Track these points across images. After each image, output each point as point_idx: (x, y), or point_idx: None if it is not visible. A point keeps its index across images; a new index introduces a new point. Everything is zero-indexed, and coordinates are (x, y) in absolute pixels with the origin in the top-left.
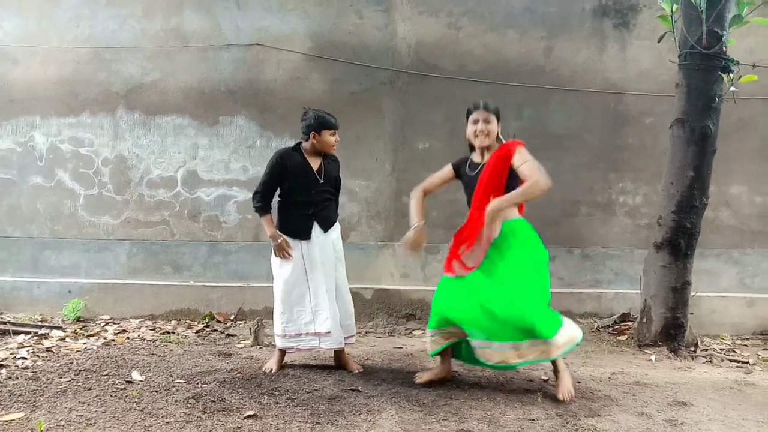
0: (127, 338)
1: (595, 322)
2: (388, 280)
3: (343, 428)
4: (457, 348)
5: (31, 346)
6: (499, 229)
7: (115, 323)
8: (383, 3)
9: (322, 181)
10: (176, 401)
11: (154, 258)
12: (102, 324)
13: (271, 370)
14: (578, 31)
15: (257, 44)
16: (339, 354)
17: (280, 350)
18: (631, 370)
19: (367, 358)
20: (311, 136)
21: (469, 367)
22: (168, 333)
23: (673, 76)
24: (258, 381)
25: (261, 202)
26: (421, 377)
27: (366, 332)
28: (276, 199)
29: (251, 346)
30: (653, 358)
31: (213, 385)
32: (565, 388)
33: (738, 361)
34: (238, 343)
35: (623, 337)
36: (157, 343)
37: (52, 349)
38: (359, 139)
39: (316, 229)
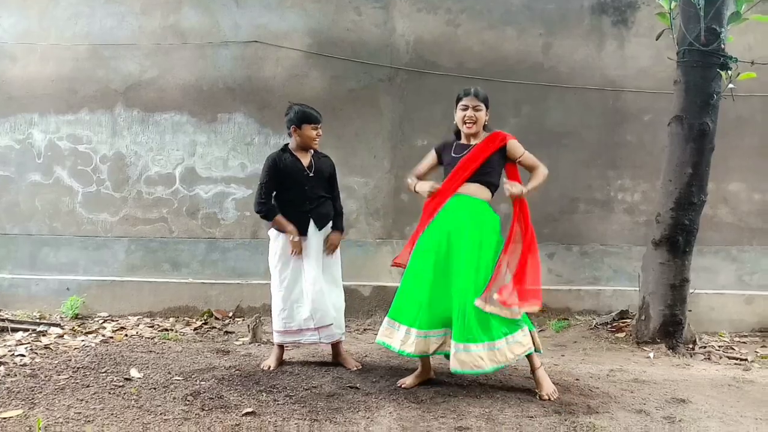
0: (126, 335)
1: (594, 319)
2: (386, 277)
3: (341, 425)
4: None
5: (29, 343)
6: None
7: (113, 320)
8: (382, 0)
9: (311, 174)
10: (174, 398)
11: (152, 255)
12: (100, 321)
13: (270, 367)
14: (577, 28)
15: (256, 41)
16: (337, 350)
17: (279, 347)
18: (630, 367)
19: (366, 356)
20: (292, 130)
21: None
22: (166, 330)
23: (671, 73)
24: (256, 378)
25: (265, 207)
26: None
27: (364, 329)
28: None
29: (249, 343)
30: (651, 355)
31: (211, 382)
32: (549, 388)
33: (736, 358)
34: (237, 340)
35: (621, 335)
36: (156, 340)
37: (51, 347)
38: (358, 136)
39: (311, 226)
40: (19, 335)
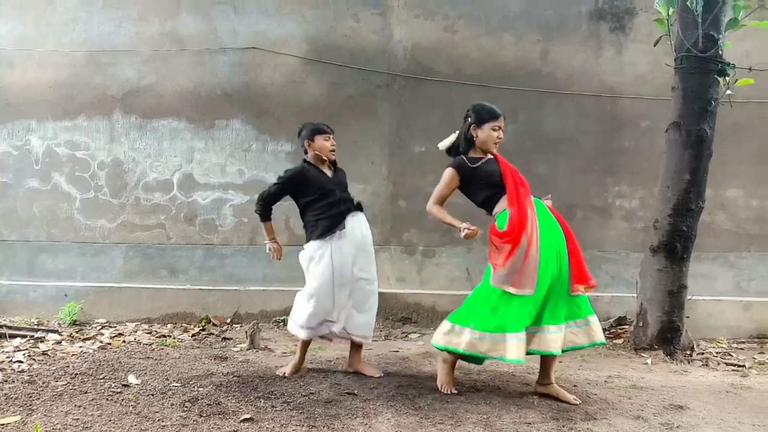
0: (123, 342)
1: None
2: (384, 284)
3: None
4: None
5: (27, 349)
6: None
7: (111, 327)
8: (379, 6)
9: (335, 182)
10: (172, 405)
11: (150, 261)
12: (98, 327)
13: (299, 370)
14: (574, 34)
15: (254, 48)
16: (355, 356)
17: (305, 345)
18: (628, 373)
19: (364, 361)
20: (307, 145)
21: (465, 371)
22: (164, 336)
23: (669, 79)
24: (254, 384)
25: (264, 208)
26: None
27: None
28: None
29: (247, 350)
30: (649, 361)
31: (209, 388)
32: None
33: (734, 365)
34: (235, 346)
35: (619, 341)
36: (153, 346)
37: (49, 353)
38: (356, 143)
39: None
40: (17, 342)
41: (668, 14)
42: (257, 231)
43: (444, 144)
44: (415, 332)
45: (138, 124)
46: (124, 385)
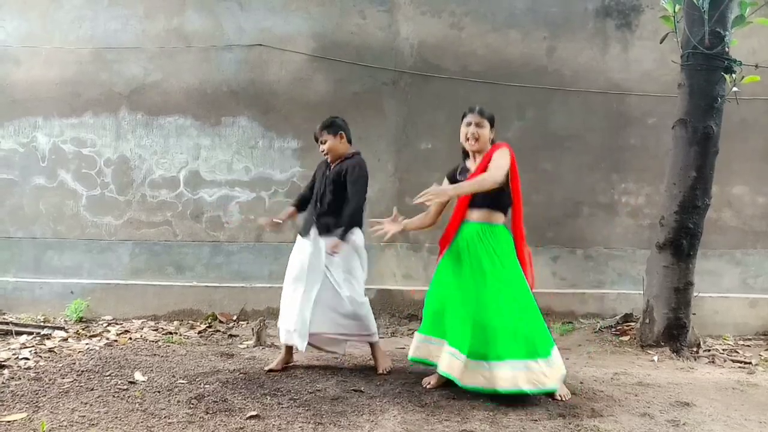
0: (130, 339)
1: (598, 322)
2: (390, 281)
3: (345, 429)
4: None
5: (33, 346)
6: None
7: (117, 324)
8: (386, 3)
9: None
10: (179, 402)
11: (156, 258)
12: (104, 324)
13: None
14: (581, 31)
15: (260, 45)
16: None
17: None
18: (634, 370)
19: (370, 359)
20: None
21: None
22: (170, 333)
23: (675, 76)
24: (260, 381)
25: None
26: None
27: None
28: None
29: (254, 347)
30: (656, 358)
31: (215, 385)
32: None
33: (740, 362)
34: (241, 343)
35: (626, 338)
36: (160, 343)
37: (55, 350)
38: (362, 140)
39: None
40: (23, 338)
41: (674, 11)
42: (263, 228)
43: None
44: None
45: (144, 121)
46: (131, 382)
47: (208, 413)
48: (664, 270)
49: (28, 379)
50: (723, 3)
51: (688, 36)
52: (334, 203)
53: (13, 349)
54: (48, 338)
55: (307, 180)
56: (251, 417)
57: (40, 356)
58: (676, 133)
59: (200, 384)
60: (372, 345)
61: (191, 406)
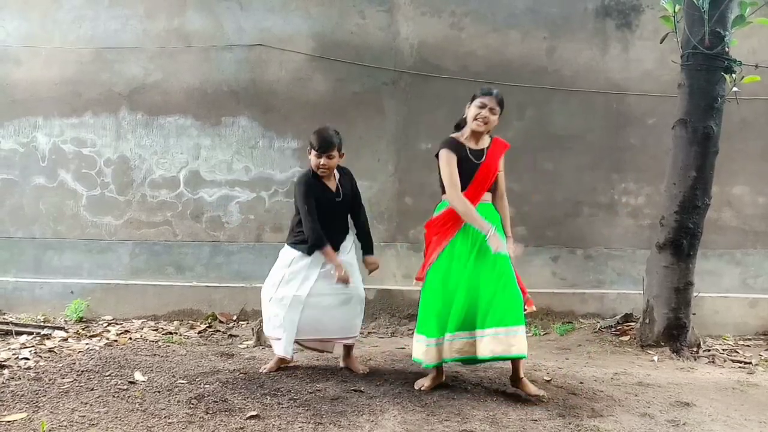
0: (130, 339)
1: (598, 322)
2: (390, 281)
3: (345, 429)
4: None
5: (33, 346)
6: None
7: (117, 324)
8: (386, 3)
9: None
10: (179, 402)
11: (156, 258)
12: (104, 324)
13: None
14: (581, 31)
15: (260, 45)
16: (346, 354)
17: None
18: (634, 370)
19: (370, 359)
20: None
21: (472, 368)
22: (170, 333)
23: (675, 76)
24: (260, 381)
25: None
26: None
27: (368, 333)
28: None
29: (254, 347)
30: (656, 358)
31: (215, 385)
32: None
33: (740, 362)
34: (241, 343)
35: (626, 338)
36: (160, 343)
37: (55, 350)
38: (362, 140)
39: None
40: (23, 338)
41: (674, 11)
42: (263, 228)
43: None
44: None
45: (144, 121)
46: (131, 382)
47: (208, 413)
48: (664, 270)
49: (28, 379)
50: (723, 3)
51: (688, 36)
52: (350, 216)
53: (13, 349)
54: (48, 338)
55: None
56: (251, 417)
57: (40, 356)
58: (676, 133)
59: (200, 384)
60: (351, 347)
61: (191, 406)
